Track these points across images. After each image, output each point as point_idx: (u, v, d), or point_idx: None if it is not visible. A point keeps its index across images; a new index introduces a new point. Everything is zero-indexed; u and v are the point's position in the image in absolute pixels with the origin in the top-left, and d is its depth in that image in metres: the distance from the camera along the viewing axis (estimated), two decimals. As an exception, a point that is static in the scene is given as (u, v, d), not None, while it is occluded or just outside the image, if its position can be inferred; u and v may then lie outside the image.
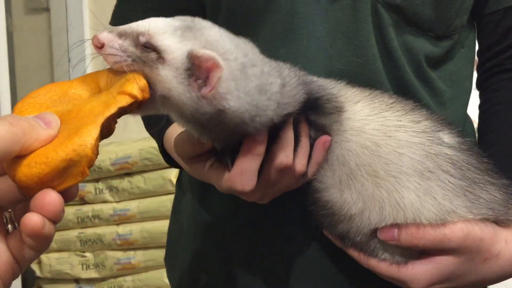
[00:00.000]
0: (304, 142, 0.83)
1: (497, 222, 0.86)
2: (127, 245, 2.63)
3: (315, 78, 0.88)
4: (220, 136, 0.76)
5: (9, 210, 0.59)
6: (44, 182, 0.54)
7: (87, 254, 2.68)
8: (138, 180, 2.61)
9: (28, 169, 0.54)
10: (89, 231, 2.66)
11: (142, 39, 0.69)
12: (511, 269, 0.85)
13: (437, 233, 0.81)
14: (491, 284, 0.91)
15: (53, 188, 0.55)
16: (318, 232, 0.90)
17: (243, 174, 0.78)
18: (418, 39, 0.96)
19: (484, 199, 0.83)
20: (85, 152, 0.55)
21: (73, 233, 2.68)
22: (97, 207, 2.66)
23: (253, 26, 0.97)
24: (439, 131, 0.85)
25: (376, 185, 0.82)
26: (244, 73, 0.73)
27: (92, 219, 2.65)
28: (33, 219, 0.52)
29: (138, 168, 2.60)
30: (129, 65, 0.68)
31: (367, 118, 0.84)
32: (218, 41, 0.73)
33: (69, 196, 0.57)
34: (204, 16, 1.08)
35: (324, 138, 0.84)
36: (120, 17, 1.13)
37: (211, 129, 0.75)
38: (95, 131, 0.57)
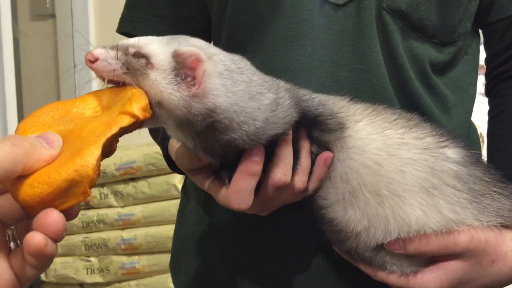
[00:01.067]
0: (305, 159, 0.83)
1: (506, 227, 0.85)
2: (132, 249, 2.63)
3: (315, 95, 0.88)
4: (215, 147, 0.77)
5: (12, 227, 0.60)
6: (47, 202, 0.55)
7: (92, 258, 2.69)
8: (142, 185, 2.62)
9: (31, 189, 0.55)
10: (94, 236, 2.67)
11: (132, 50, 0.72)
12: None
13: (442, 238, 0.81)
14: (504, 286, 0.90)
15: (55, 207, 0.55)
16: (323, 241, 0.90)
17: (239, 193, 0.79)
18: (423, 45, 0.96)
19: (492, 208, 0.83)
20: (86, 173, 0.56)
21: (78, 238, 2.69)
22: (102, 211, 2.67)
23: (257, 32, 0.98)
24: (444, 146, 0.85)
25: (379, 204, 0.82)
26: (231, 76, 0.75)
27: (97, 224, 2.66)
28: (36, 238, 0.53)
29: (143, 173, 2.61)
30: (123, 73, 0.70)
31: (368, 137, 0.85)
32: (203, 45, 0.77)
33: (71, 214, 0.58)
34: (209, 23, 1.10)
35: (326, 154, 0.84)
36: (127, 24, 1.14)
37: (206, 138, 0.76)
38: (96, 152, 0.58)
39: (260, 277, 1.02)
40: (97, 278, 2.68)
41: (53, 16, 3.15)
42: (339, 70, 0.94)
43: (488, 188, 0.85)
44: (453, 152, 0.85)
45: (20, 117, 2.85)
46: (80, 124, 0.64)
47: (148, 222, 2.62)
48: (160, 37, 0.76)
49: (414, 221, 0.81)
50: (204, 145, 0.77)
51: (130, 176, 2.62)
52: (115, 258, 2.66)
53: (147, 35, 1.12)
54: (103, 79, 0.72)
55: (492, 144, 1.03)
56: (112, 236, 2.64)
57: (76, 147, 0.59)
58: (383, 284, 0.88)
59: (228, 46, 1.03)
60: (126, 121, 0.63)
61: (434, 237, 0.81)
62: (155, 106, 0.71)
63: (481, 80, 1.09)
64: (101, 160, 0.59)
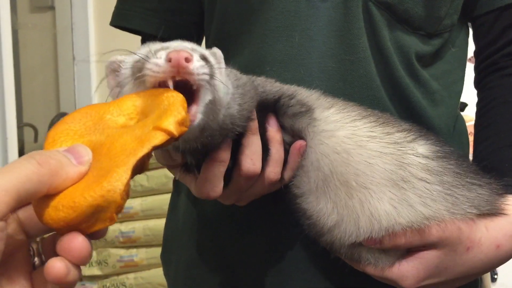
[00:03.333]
0: (276, 150, 0.84)
1: (481, 216, 0.85)
2: (130, 242, 2.64)
3: (278, 84, 0.91)
4: (204, 143, 0.79)
5: (38, 240, 0.57)
6: (72, 226, 0.52)
7: (90, 251, 2.69)
8: (141, 178, 2.62)
9: (55, 212, 0.52)
10: (92, 229, 2.67)
11: (198, 53, 0.73)
12: (495, 255, 0.85)
13: (416, 231, 0.82)
14: (482, 274, 0.91)
15: (82, 230, 0.52)
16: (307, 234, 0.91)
17: (207, 181, 0.81)
18: (409, 37, 0.97)
19: (466, 198, 0.84)
20: (113, 198, 0.52)
21: (76, 231, 2.69)
22: (100, 204, 2.67)
23: (246, 23, 0.99)
24: (412, 141, 0.85)
25: (349, 196, 0.83)
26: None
27: (95, 217, 2.66)
28: (56, 267, 0.50)
29: (141, 166, 2.60)
30: (206, 79, 0.70)
31: (338, 123, 0.85)
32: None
33: (98, 235, 0.55)
34: (200, 16, 1.11)
35: (299, 143, 0.85)
36: (120, 17, 1.16)
37: (210, 134, 0.78)
38: (125, 176, 0.53)
39: (249, 266, 1.02)
40: (95, 271, 2.69)
41: (52, 8, 3.15)
42: (326, 61, 0.95)
43: (461, 179, 0.85)
44: (422, 147, 0.86)
45: (19, 109, 2.85)
46: (111, 136, 0.59)
47: (147, 215, 2.63)
48: (188, 43, 0.79)
49: (384, 217, 0.82)
50: (203, 143, 0.79)
51: (129, 169, 2.62)
52: (113, 251, 2.66)
53: (139, 28, 1.14)
54: (160, 84, 0.68)
55: (478, 135, 1.03)
56: (111, 229, 2.64)
57: (105, 166, 0.55)
58: (368, 276, 0.89)
59: (219, 37, 1.05)
60: (159, 138, 0.57)
61: (408, 231, 0.82)
62: (210, 102, 0.72)
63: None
64: (132, 178, 0.55)
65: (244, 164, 0.82)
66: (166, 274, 1.20)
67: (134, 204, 2.64)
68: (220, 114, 0.76)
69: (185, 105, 0.63)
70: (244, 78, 0.86)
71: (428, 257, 0.84)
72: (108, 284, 2.69)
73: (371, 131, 0.85)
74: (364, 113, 0.88)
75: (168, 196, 2.73)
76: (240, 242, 1.03)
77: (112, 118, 0.63)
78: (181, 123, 0.60)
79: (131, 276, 2.67)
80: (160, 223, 2.59)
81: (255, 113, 0.83)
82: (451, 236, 0.82)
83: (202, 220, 1.08)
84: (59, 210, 0.52)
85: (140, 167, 0.57)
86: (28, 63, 3.15)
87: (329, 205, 0.84)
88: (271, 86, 0.89)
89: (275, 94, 0.86)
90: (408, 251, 0.85)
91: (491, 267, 0.88)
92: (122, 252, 2.66)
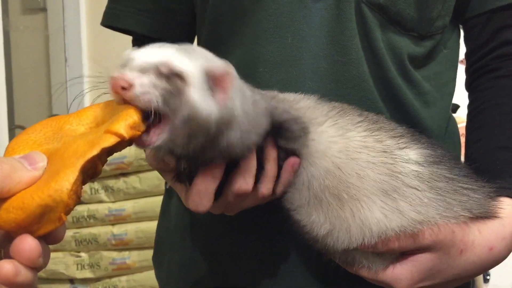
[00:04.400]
0: (271, 167, 0.84)
1: (474, 219, 0.86)
2: (122, 245, 2.62)
3: (280, 99, 0.89)
4: (199, 152, 0.77)
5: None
6: (23, 227, 0.53)
7: (82, 254, 2.68)
8: (133, 180, 2.61)
9: (6, 214, 0.53)
10: (84, 231, 2.66)
11: (164, 70, 0.69)
12: (488, 257, 0.86)
13: (410, 235, 0.82)
14: (475, 276, 0.92)
15: (33, 232, 0.53)
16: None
17: (197, 195, 0.80)
18: (401, 38, 0.97)
19: (458, 203, 0.84)
20: (60, 198, 0.53)
21: (68, 233, 2.67)
22: (92, 207, 2.66)
23: (238, 24, 0.99)
24: (404, 148, 0.85)
25: (340, 208, 0.83)
26: (239, 83, 0.78)
27: (87, 219, 2.65)
28: (5, 268, 0.51)
29: (134, 168, 2.60)
30: (159, 102, 0.66)
31: (330, 140, 0.85)
32: (213, 56, 0.78)
33: (54, 239, 0.56)
34: (193, 16, 1.11)
35: (293, 160, 0.85)
36: (111, 17, 1.15)
37: (207, 146, 0.76)
38: (72, 176, 0.55)
39: (242, 268, 1.02)
40: (87, 274, 2.67)
41: (44, 10, 3.13)
42: (319, 62, 0.95)
43: (453, 184, 0.85)
44: (414, 153, 0.85)
45: (10, 111, 2.83)
46: (67, 142, 0.61)
47: (139, 217, 2.62)
48: (175, 49, 0.73)
49: (375, 225, 0.82)
50: (194, 152, 0.77)
51: (121, 171, 2.61)
52: (106, 253, 2.65)
53: (131, 28, 1.14)
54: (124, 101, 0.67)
55: (470, 137, 1.03)
56: (103, 231, 2.63)
57: (55, 169, 0.56)
58: (362, 280, 0.89)
59: (210, 38, 1.04)
60: (110, 141, 0.59)
61: (401, 235, 0.82)
62: (181, 122, 0.69)
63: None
64: (84, 183, 0.57)
65: (237, 182, 0.81)
66: (158, 276, 1.19)
67: (126, 206, 2.63)
68: (209, 129, 0.73)
69: (139, 111, 0.64)
70: (261, 102, 0.82)
71: (422, 260, 0.84)
72: (100, 287, 2.68)
73: (364, 141, 0.85)
74: (358, 118, 0.88)
75: (160, 198, 2.72)
76: (232, 244, 1.03)
77: (71, 127, 0.64)
78: (132, 126, 0.62)
79: (123, 279, 2.65)
80: (153, 225, 2.57)
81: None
82: (445, 239, 0.83)
83: (194, 222, 1.08)
84: (10, 212, 0.53)
85: (93, 170, 0.59)
86: (20, 65, 3.14)
87: (321, 217, 0.84)
88: (279, 105, 0.86)
89: (281, 117, 0.84)
90: (402, 254, 0.85)
91: (484, 269, 0.88)
92: (114, 254, 2.64)
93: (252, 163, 0.82)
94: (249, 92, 0.81)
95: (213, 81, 0.73)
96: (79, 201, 0.56)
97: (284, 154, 0.86)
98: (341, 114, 0.88)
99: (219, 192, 0.82)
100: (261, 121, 0.81)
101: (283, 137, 0.85)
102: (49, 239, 0.55)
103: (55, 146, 0.61)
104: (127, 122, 0.62)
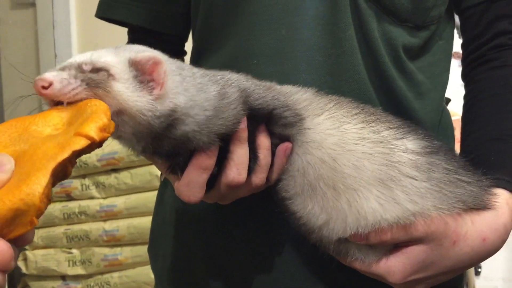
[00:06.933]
0: (264, 157, 0.84)
1: (467, 210, 0.86)
2: (114, 241, 2.61)
3: (274, 88, 0.89)
4: (166, 146, 0.79)
5: None
6: None
7: (74, 250, 2.67)
8: (125, 176, 2.60)
9: None
10: (76, 228, 2.65)
11: (87, 67, 0.71)
12: (482, 248, 0.86)
13: (402, 226, 0.83)
14: (469, 267, 0.92)
15: (3, 236, 0.53)
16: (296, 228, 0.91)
17: (189, 186, 0.81)
18: (397, 29, 0.97)
19: (454, 195, 0.84)
20: (32, 202, 0.53)
21: (59, 230, 2.66)
22: (84, 203, 2.64)
23: (232, 15, 0.98)
24: (401, 138, 0.86)
25: (336, 198, 0.83)
26: (180, 72, 0.78)
27: (79, 216, 2.64)
28: None
29: (125, 164, 2.59)
30: (84, 90, 0.68)
31: (326, 132, 0.85)
32: (146, 49, 0.79)
33: (23, 241, 0.55)
34: (188, 7, 1.10)
35: (286, 145, 0.85)
36: (106, 9, 1.15)
37: (160, 139, 0.77)
38: (44, 179, 0.54)
39: (236, 260, 1.02)
40: (79, 270, 2.66)
41: (33, 4, 3.10)
42: (313, 54, 0.95)
43: (450, 175, 0.85)
44: (411, 143, 0.86)
45: None
46: (35, 144, 0.60)
47: (131, 213, 2.61)
48: (105, 49, 0.76)
49: (370, 214, 0.82)
50: (156, 147, 0.78)
51: (112, 167, 2.60)
52: (97, 250, 2.64)
53: (125, 19, 1.13)
54: (56, 103, 0.69)
55: (465, 128, 1.04)
56: (94, 227, 2.62)
57: (25, 171, 0.55)
58: (357, 277, 0.90)
59: (204, 29, 1.04)
60: (80, 143, 0.59)
61: (393, 226, 0.82)
62: (115, 115, 0.70)
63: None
64: (54, 185, 0.56)
65: (229, 174, 0.81)
66: (153, 267, 1.19)
67: (118, 202, 2.61)
68: (145, 118, 0.73)
69: (109, 113, 0.65)
70: (235, 94, 0.82)
71: (415, 252, 0.84)
72: (92, 284, 2.67)
73: (360, 133, 0.85)
74: (355, 111, 0.88)
75: (152, 194, 2.72)
76: (227, 236, 1.03)
77: (38, 129, 0.64)
78: (102, 129, 0.62)
79: (115, 275, 2.64)
80: (145, 221, 2.57)
81: (245, 121, 0.82)
82: (437, 231, 0.83)
83: (189, 213, 1.07)
84: None
85: (63, 172, 0.58)
86: (9, 60, 3.11)
87: (316, 207, 0.85)
88: (268, 93, 0.87)
89: (270, 104, 0.85)
90: (395, 247, 0.86)
91: (478, 260, 0.88)
92: (106, 250, 2.63)
93: (244, 153, 0.82)
94: (205, 80, 0.81)
95: (142, 72, 0.74)
96: (49, 203, 0.55)
97: (278, 140, 0.86)
98: (337, 107, 0.88)
99: (213, 182, 0.83)
100: (229, 109, 0.81)
101: (278, 124, 0.85)
102: (18, 242, 0.54)
103: (22, 147, 0.60)
104: (97, 124, 0.61)
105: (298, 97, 0.89)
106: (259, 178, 0.84)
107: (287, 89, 0.90)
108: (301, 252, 0.98)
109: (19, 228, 0.54)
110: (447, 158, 0.87)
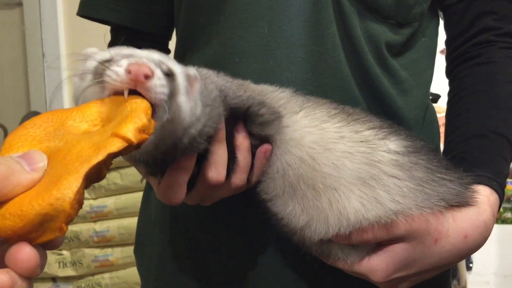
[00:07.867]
0: (243, 158, 0.84)
1: (449, 208, 0.86)
2: (105, 242, 2.61)
3: (249, 88, 0.89)
4: (166, 156, 0.78)
5: None
6: (20, 235, 0.49)
7: (64, 252, 2.66)
8: (114, 176, 2.59)
9: (2, 221, 0.49)
10: (66, 229, 2.63)
11: (164, 67, 0.68)
12: (463, 245, 0.86)
13: (383, 225, 0.82)
14: (453, 265, 0.92)
15: (31, 240, 0.50)
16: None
17: (170, 188, 0.80)
18: (379, 26, 0.97)
19: (436, 193, 0.84)
20: (62, 207, 0.50)
21: (49, 231, 2.65)
22: (74, 204, 2.63)
23: (215, 14, 0.98)
24: (383, 138, 0.86)
25: (316, 198, 0.83)
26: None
27: (69, 217, 2.62)
28: (0, 279, 0.48)
29: (115, 164, 2.56)
30: (166, 98, 0.65)
31: (305, 130, 0.85)
32: (153, 53, 0.76)
33: (51, 246, 0.53)
34: (171, 6, 1.09)
35: (265, 146, 0.85)
36: (88, 7, 1.14)
37: (175, 150, 0.76)
38: (76, 184, 0.51)
39: (221, 258, 1.02)
40: (69, 272, 2.65)
41: (20, 4, 3.09)
42: (296, 52, 0.94)
43: (432, 174, 0.85)
44: (393, 143, 0.86)
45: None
46: (70, 142, 0.56)
47: (121, 213, 2.60)
48: (157, 55, 0.71)
49: (352, 214, 0.82)
50: (165, 157, 0.78)
51: (102, 167, 2.59)
52: (88, 250, 2.63)
53: (107, 18, 1.12)
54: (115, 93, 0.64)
55: (449, 125, 1.04)
56: (84, 228, 2.61)
57: (57, 173, 0.52)
58: (345, 279, 0.90)
59: (187, 28, 1.03)
60: (116, 145, 0.55)
61: (375, 226, 0.82)
62: (161, 125, 0.68)
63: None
64: (87, 187, 0.53)
65: (208, 173, 0.81)
66: (139, 268, 1.19)
67: (108, 202, 2.60)
68: (178, 132, 0.73)
69: (149, 111, 0.60)
70: (214, 92, 0.81)
71: (397, 250, 0.84)
72: (83, 285, 2.66)
73: (340, 132, 0.85)
74: (334, 111, 0.88)
75: (142, 194, 2.70)
76: (212, 236, 1.02)
77: (74, 124, 0.60)
78: (141, 130, 0.57)
79: (106, 276, 2.64)
80: (135, 221, 2.54)
81: (223, 121, 0.81)
82: (419, 229, 0.83)
83: (174, 213, 1.07)
84: (6, 218, 0.49)
85: (97, 175, 0.55)
86: (-4, 60, 3.09)
87: (297, 208, 0.84)
88: (243, 92, 0.86)
89: (245, 103, 0.84)
90: (378, 246, 0.85)
91: (460, 257, 0.88)
92: (96, 251, 2.62)
93: (223, 153, 0.81)
94: (211, 85, 0.82)
95: (190, 86, 0.74)
96: (80, 208, 0.52)
97: (257, 141, 0.86)
98: (316, 106, 0.88)
99: (193, 183, 0.82)
100: (218, 111, 0.81)
101: (255, 123, 0.85)
102: (46, 246, 0.51)
103: (57, 144, 0.57)
104: (136, 125, 0.57)
105: (275, 95, 0.89)
106: (239, 179, 0.84)
107: (263, 87, 0.90)
108: (285, 252, 0.98)
109: (47, 233, 0.50)
110: (429, 158, 0.87)
